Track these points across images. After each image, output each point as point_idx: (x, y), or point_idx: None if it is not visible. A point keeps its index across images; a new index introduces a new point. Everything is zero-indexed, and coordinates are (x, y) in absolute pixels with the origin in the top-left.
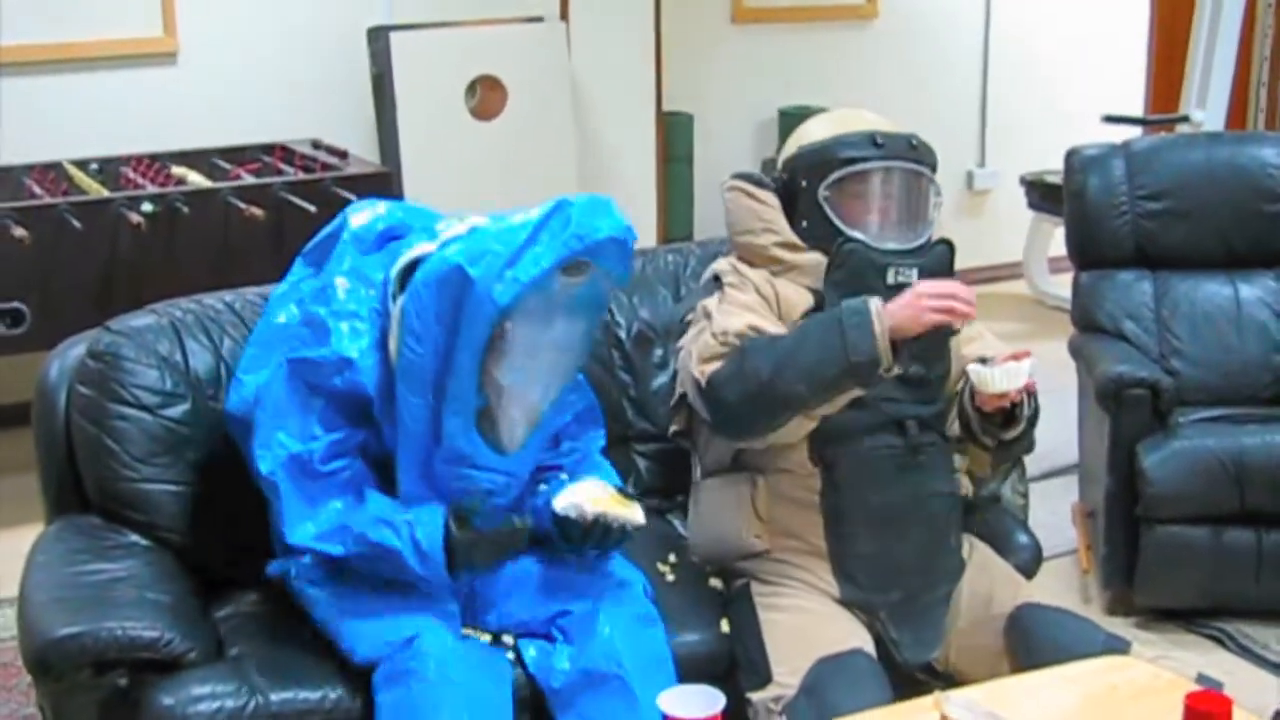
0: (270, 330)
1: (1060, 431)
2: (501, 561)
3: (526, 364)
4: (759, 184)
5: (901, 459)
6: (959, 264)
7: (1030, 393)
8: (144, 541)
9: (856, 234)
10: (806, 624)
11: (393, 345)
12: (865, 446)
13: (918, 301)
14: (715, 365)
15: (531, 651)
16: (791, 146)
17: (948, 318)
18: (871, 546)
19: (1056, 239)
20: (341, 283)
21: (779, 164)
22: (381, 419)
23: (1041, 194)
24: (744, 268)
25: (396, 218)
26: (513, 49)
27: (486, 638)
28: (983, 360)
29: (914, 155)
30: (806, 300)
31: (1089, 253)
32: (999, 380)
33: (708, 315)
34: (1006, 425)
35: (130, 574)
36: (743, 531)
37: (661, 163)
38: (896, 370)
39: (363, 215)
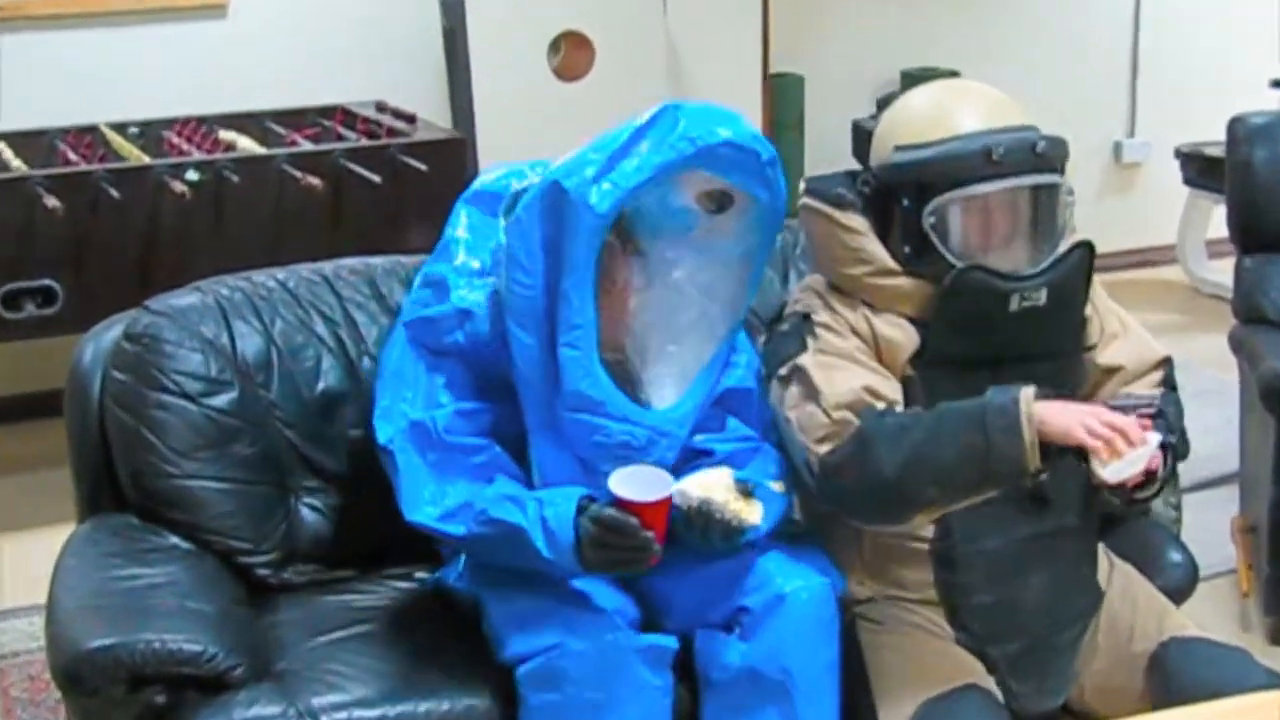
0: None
1: (1219, 436)
2: (633, 571)
3: (663, 307)
4: (839, 203)
5: (1024, 497)
6: (1103, 248)
7: (1164, 448)
8: (185, 544)
9: (971, 262)
10: (914, 663)
11: (501, 283)
12: None
13: (1080, 417)
14: (829, 447)
15: (699, 641)
16: (884, 145)
17: (1100, 450)
18: (989, 596)
19: (1216, 219)
20: (462, 234)
21: (870, 163)
22: (509, 377)
23: (1200, 168)
24: (836, 301)
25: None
26: (602, 2)
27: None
28: (1110, 409)
29: (1039, 164)
30: (911, 340)
31: (1254, 234)
32: (1110, 472)
33: (807, 380)
34: (1136, 488)
35: (170, 580)
36: (845, 578)
37: (768, 130)
38: (1044, 476)
39: (493, 172)
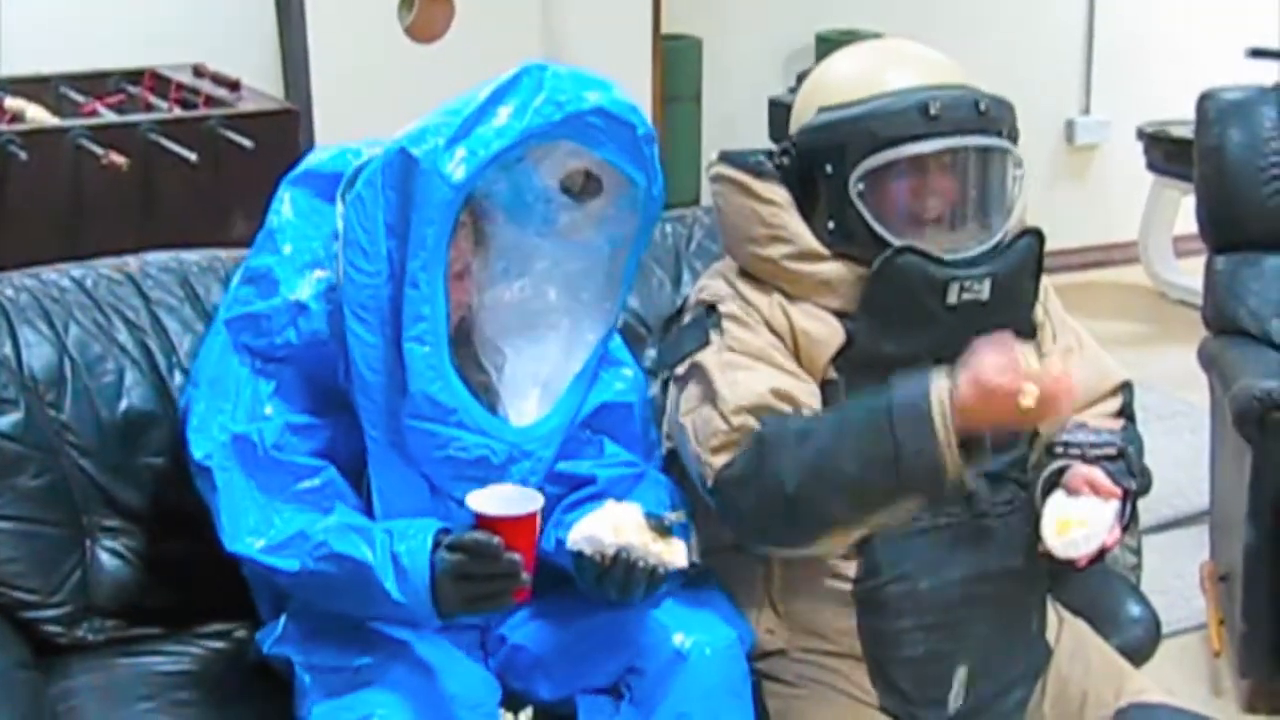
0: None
1: (1187, 469)
2: (498, 607)
3: (522, 305)
4: (758, 172)
5: (963, 530)
6: (1054, 244)
7: (1125, 494)
8: None
9: (905, 241)
10: None
11: (339, 270)
12: (914, 518)
13: (1009, 387)
14: (725, 458)
15: (581, 710)
16: (806, 110)
17: (1049, 418)
18: (922, 647)
19: (1185, 211)
20: (288, 219)
21: (790, 130)
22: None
23: (1165, 151)
24: (747, 288)
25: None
26: None
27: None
28: (1063, 450)
29: (983, 124)
30: (835, 335)
31: (1228, 230)
32: (1062, 547)
33: (706, 380)
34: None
35: None
36: (751, 625)
37: (659, 102)
38: (972, 484)
39: (325, 152)
